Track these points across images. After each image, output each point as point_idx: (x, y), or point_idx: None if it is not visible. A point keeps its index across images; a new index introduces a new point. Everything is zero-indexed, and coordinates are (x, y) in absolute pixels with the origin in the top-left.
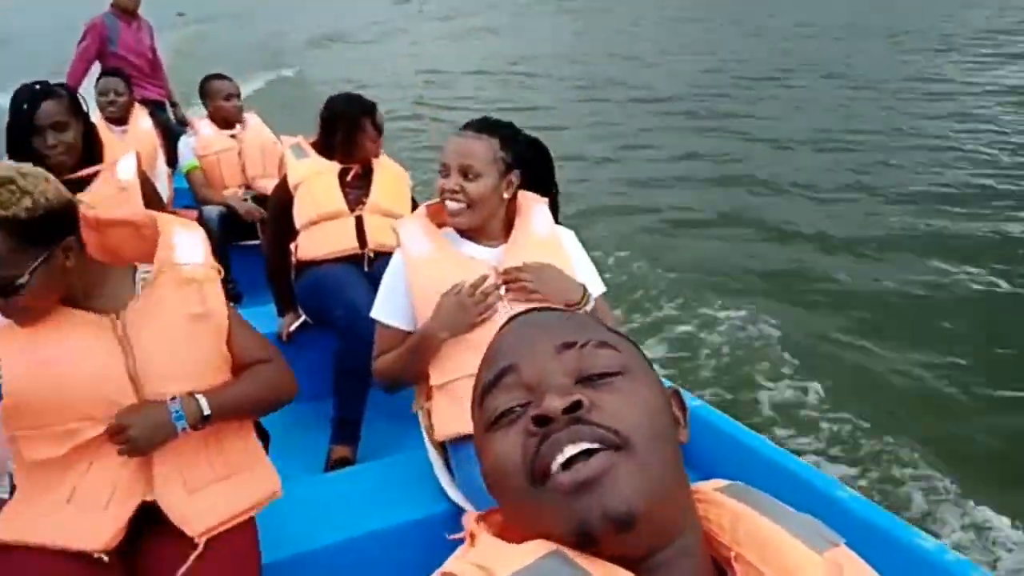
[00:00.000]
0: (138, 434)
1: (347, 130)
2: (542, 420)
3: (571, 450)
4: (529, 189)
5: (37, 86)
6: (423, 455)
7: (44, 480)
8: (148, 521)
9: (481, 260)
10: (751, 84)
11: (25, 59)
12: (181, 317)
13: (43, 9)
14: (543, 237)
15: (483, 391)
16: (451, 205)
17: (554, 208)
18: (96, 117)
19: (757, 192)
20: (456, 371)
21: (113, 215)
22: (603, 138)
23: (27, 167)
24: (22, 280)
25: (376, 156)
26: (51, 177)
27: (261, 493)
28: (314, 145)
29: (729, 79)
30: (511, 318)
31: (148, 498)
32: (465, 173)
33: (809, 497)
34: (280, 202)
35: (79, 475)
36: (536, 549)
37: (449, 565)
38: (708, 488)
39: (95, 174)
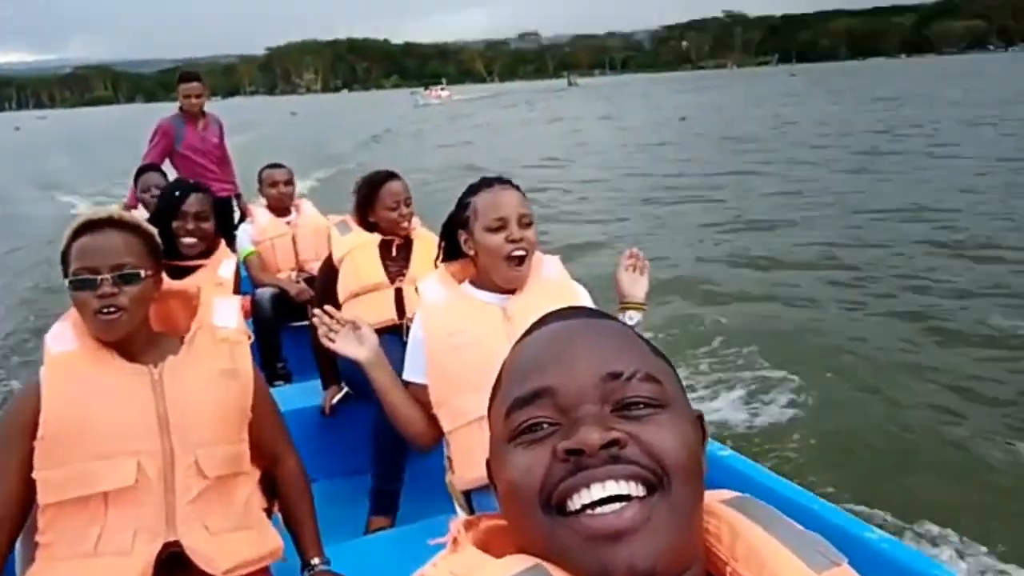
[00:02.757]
0: None
1: (363, 202)
2: (576, 452)
3: (599, 491)
4: None
5: (190, 181)
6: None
7: (68, 532)
8: (170, 569)
9: (492, 304)
10: None
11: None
12: (213, 371)
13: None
14: (557, 286)
15: (512, 405)
16: (518, 256)
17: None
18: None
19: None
20: (464, 415)
21: (170, 286)
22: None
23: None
24: (144, 273)
25: (398, 224)
26: None
27: (268, 548)
28: (357, 221)
29: None
30: (548, 319)
31: (171, 538)
32: (522, 222)
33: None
34: (326, 276)
35: (100, 522)
36: (515, 563)
37: (426, 571)
38: (713, 499)
39: (199, 267)
